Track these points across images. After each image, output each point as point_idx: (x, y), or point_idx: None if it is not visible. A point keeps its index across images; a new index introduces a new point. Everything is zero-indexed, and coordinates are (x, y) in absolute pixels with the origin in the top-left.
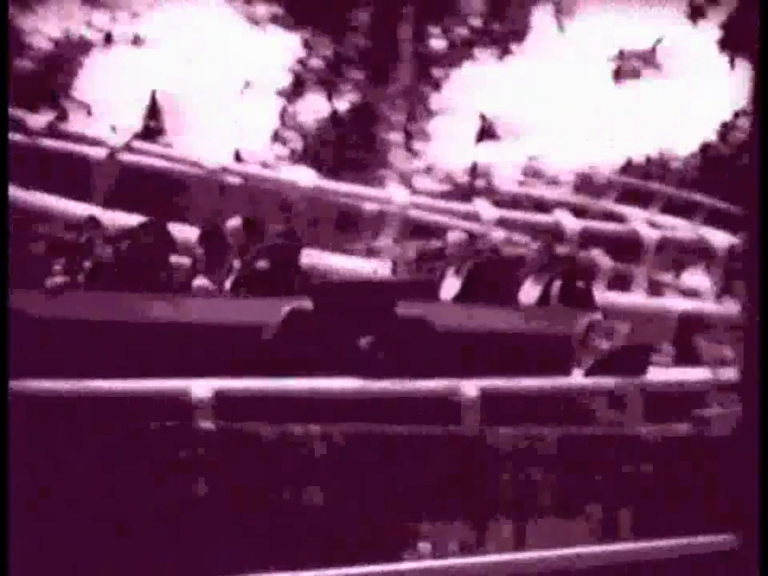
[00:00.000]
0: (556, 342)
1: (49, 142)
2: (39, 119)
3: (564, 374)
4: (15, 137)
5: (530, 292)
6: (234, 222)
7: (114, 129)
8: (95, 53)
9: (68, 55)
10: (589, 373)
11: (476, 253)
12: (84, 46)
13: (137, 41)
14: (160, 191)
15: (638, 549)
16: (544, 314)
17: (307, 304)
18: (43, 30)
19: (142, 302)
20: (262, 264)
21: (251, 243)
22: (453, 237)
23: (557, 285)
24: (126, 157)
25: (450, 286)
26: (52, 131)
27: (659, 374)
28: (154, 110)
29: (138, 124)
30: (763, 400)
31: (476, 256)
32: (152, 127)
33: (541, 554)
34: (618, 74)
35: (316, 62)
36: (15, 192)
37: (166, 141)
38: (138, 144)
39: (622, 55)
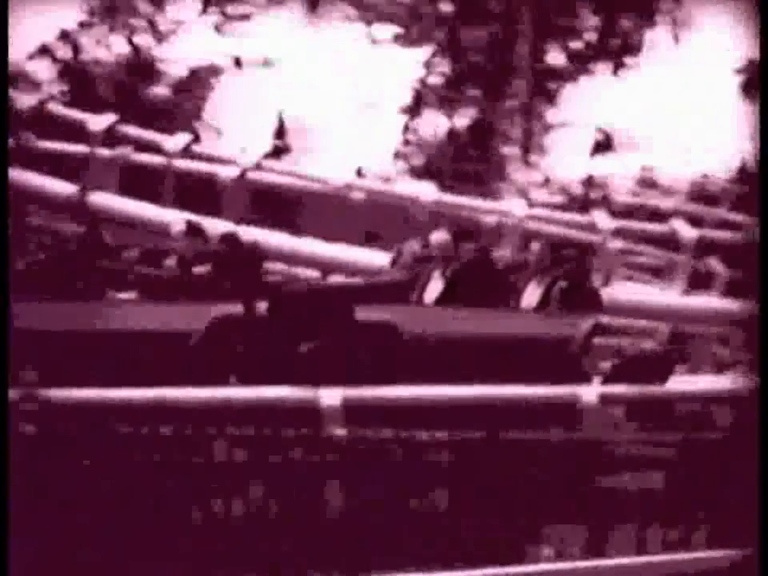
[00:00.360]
0: (544, 347)
1: (184, 163)
2: (175, 142)
3: (559, 379)
4: (153, 159)
5: (532, 294)
6: (441, 236)
7: (244, 149)
8: (225, 77)
9: (200, 80)
10: (607, 380)
11: (467, 253)
12: (214, 71)
13: (265, 64)
14: (287, 208)
15: None
16: (535, 318)
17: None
18: (176, 57)
19: None
20: (562, 284)
21: (455, 255)
22: (436, 237)
23: (560, 286)
24: (256, 175)
25: (434, 289)
26: (187, 153)
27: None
28: (281, 130)
29: (266, 144)
30: None
31: (462, 257)
32: (280, 146)
33: (660, 559)
34: (746, 86)
35: (435, 80)
36: (155, 211)
37: (292, 159)
38: (266, 163)
39: (750, 66)
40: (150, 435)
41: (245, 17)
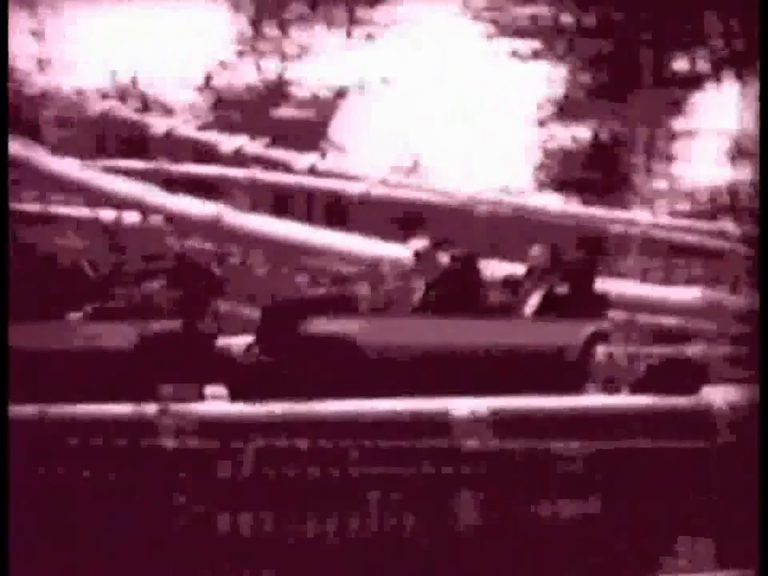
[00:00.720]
0: (523, 357)
1: (312, 181)
2: (303, 160)
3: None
4: (283, 177)
5: (531, 301)
6: (539, 251)
7: (370, 166)
8: (350, 96)
9: (325, 100)
10: (635, 390)
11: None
12: (339, 91)
13: (390, 83)
14: (414, 222)
15: None
16: (523, 326)
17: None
18: (302, 78)
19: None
20: (561, 289)
21: (553, 269)
22: (414, 245)
23: (558, 292)
24: (382, 191)
25: (418, 298)
26: (316, 171)
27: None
28: (407, 147)
29: (392, 160)
30: None
31: (442, 266)
32: (406, 162)
33: None
34: None
35: (562, 92)
36: (285, 228)
37: (419, 174)
38: (392, 179)
39: None
40: (286, 449)
41: (370, 36)
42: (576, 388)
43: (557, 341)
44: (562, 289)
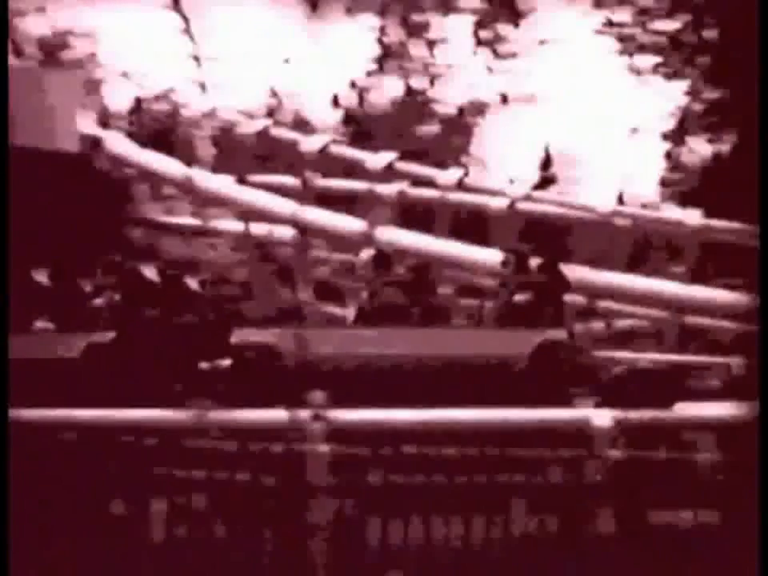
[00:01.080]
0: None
1: (456, 196)
2: (448, 176)
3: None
4: (428, 192)
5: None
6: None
7: (511, 181)
8: (491, 112)
9: (467, 117)
10: (601, 404)
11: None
12: (481, 107)
13: (530, 99)
14: (555, 236)
15: None
16: (476, 336)
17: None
18: (446, 96)
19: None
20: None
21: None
22: (363, 255)
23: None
24: (525, 205)
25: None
26: (459, 186)
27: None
28: (547, 162)
29: (533, 175)
30: None
31: (384, 277)
32: (546, 177)
33: None
34: None
35: (697, 106)
36: (429, 241)
37: (559, 189)
38: (535, 193)
39: None
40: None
41: (512, 55)
42: (522, 398)
43: (505, 351)
44: (522, 297)
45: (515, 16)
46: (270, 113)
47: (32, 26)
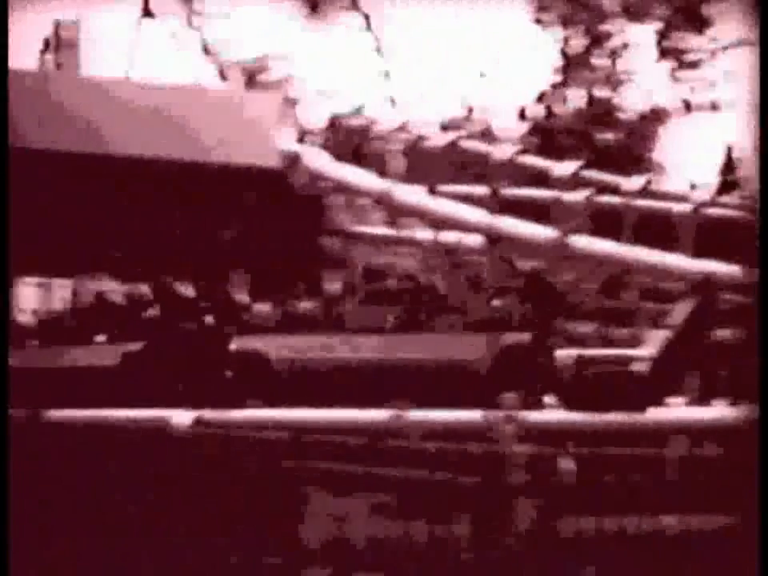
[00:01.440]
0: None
1: (641, 202)
2: (632, 182)
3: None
4: (611, 199)
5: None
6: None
7: (693, 186)
8: (673, 120)
9: (650, 124)
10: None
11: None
12: (663, 115)
13: (714, 107)
14: (743, 241)
15: None
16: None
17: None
18: (629, 104)
19: None
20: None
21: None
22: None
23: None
24: (709, 210)
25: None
26: (644, 192)
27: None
28: (729, 166)
29: (714, 180)
30: None
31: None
32: (728, 181)
33: None
34: None
35: None
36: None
37: (741, 193)
38: (718, 198)
39: None
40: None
41: (693, 64)
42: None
43: (466, 355)
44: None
45: (699, 23)
46: (461, 124)
47: (234, 52)
